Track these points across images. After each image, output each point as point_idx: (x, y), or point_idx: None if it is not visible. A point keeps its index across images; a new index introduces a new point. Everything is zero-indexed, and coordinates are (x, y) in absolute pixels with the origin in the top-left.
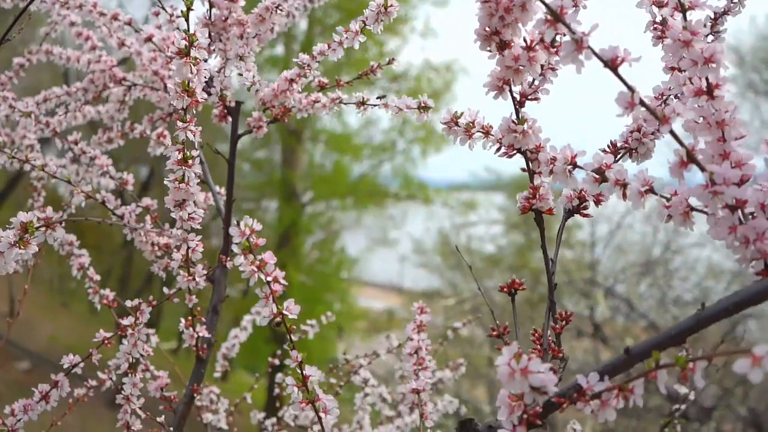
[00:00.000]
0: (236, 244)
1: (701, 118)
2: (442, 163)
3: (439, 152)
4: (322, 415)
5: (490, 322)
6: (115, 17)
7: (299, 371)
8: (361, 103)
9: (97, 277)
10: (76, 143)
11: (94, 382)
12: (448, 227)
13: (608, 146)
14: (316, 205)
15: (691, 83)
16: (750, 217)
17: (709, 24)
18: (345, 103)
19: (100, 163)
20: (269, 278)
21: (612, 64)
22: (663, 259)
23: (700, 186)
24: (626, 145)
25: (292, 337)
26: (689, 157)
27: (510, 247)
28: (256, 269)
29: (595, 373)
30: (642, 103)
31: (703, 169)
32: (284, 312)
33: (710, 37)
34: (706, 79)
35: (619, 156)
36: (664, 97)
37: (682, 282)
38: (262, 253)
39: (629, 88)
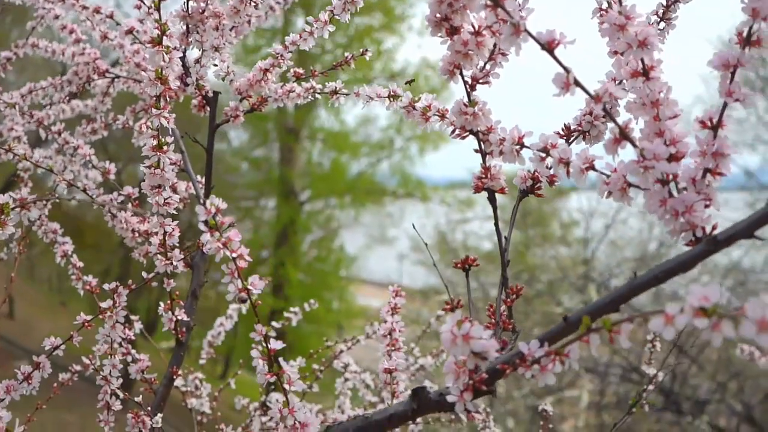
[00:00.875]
0: (202, 222)
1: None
2: (440, 160)
3: (437, 150)
4: (286, 386)
5: (484, 316)
6: (97, 11)
7: (264, 344)
8: (334, 93)
9: (80, 264)
10: (59, 133)
11: (78, 367)
12: (444, 224)
13: (562, 129)
14: (315, 204)
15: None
16: (684, 191)
17: (661, 11)
18: (319, 93)
19: (82, 152)
20: (235, 255)
21: (549, 46)
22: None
23: (632, 161)
24: (579, 128)
25: (256, 310)
26: (622, 134)
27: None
28: (221, 246)
29: (535, 340)
30: (576, 83)
31: (635, 146)
32: (249, 287)
33: (662, 24)
34: (642, 60)
35: (572, 138)
36: (616, 82)
37: (677, 277)
38: (228, 231)
39: (565, 69)
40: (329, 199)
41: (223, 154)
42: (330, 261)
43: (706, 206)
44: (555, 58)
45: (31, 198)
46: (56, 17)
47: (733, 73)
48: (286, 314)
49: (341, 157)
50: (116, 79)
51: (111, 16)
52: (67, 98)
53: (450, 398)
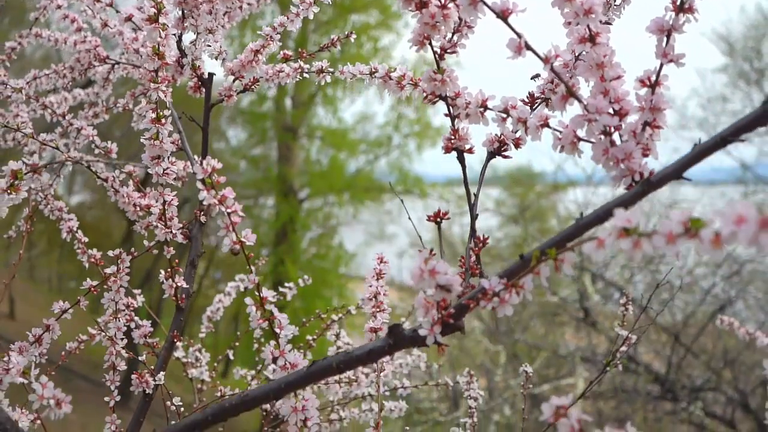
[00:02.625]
0: (199, 180)
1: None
2: (438, 157)
3: (435, 147)
4: (277, 330)
5: (485, 312)
6: None
7: (257, 293)
8: (320, 71)
9: (86, 239)
10: (63, 116)
11: (85, 337)
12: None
13: (527, 96)
14: (313, 201)
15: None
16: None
17: None
18: (307, 72)
19: (86, 134)
20: (229, 210)
21: (503, 15)
22: None
23: (578, 115)
24: (542, 95)
25: (252, 268)
26: (569, 92)
27: (506, 239)
28: (217, 202)
29: (495, 276)
30: (527, 47)
31: (579, 101)
32: (243, 239)
33: (618, 0)
34: (588, 27)
35: (536, 105)
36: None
37: (676, 266)
38: (223, 189)
39: (517, 34)
40: (328, 196)
41: (221, 153)
42: (329, 258)
43: (645, 155)
44: (509, 25)
45: (42, 163)
46: (58, 7)
47: (668, 37)
48: (281, 289)
49: (339, 154)
50: (116, 66)
51: (111, 4)
52: (70, 84)
53: (422, 332)
